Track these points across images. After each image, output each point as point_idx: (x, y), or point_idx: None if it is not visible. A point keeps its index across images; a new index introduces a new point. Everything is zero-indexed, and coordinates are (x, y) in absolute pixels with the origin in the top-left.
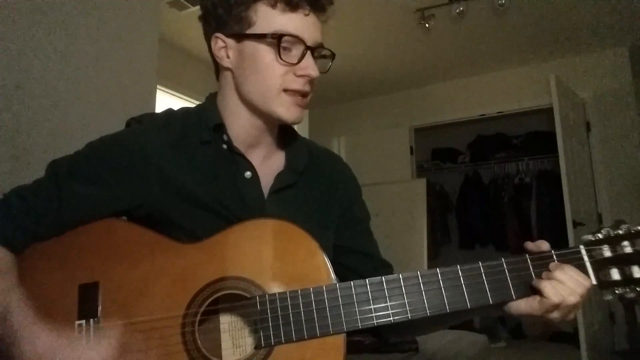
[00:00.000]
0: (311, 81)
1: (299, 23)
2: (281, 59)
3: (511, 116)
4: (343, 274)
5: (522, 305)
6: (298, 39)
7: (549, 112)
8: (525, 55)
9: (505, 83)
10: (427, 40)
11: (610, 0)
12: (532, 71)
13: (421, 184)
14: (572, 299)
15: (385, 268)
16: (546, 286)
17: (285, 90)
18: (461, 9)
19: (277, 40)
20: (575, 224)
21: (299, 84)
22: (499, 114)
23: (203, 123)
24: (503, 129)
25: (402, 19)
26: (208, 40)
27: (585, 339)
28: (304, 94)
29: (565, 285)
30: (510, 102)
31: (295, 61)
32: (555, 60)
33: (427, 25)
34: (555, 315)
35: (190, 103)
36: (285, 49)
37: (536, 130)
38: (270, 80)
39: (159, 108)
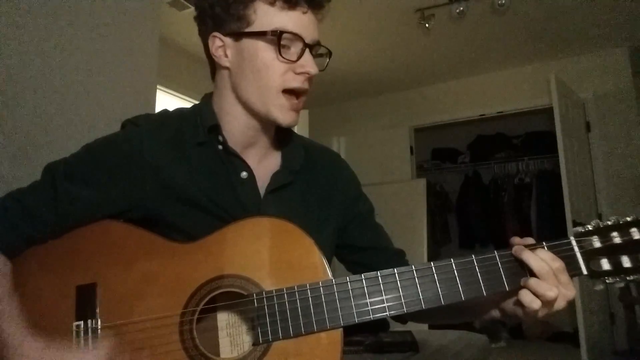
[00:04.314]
0: (310, 79)
1: (297, 21)
2: (281, 56)
3: (511, 116)
4: (358, 271)
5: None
6: (297, 37)
7: (549, 112)
8: (525, 55)
9: (505, 83)
10: (427, 40)
11: (610, 0)
12: (532, 71)
13: (421, 184)
14: (552, 294)
15: (398, 256)
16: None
17: (284, 91)
18: (461, 9)
19: (277, 38)
20: (575, 224)
21: (298, 82)
22: (499, 114)
23: (199, 124)
24: (503, 129)
25: (402, 19)
26: (204, 39)
27: (585, 339)
28: (302, 93)
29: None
30: (510, 102)
31: (294, 58)
32: (555, 60)
33: (427, 25)
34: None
35: (190, 103)
36: (284, 46)
37: (536, 130)
38: (270, 79)
39: (159, 108)
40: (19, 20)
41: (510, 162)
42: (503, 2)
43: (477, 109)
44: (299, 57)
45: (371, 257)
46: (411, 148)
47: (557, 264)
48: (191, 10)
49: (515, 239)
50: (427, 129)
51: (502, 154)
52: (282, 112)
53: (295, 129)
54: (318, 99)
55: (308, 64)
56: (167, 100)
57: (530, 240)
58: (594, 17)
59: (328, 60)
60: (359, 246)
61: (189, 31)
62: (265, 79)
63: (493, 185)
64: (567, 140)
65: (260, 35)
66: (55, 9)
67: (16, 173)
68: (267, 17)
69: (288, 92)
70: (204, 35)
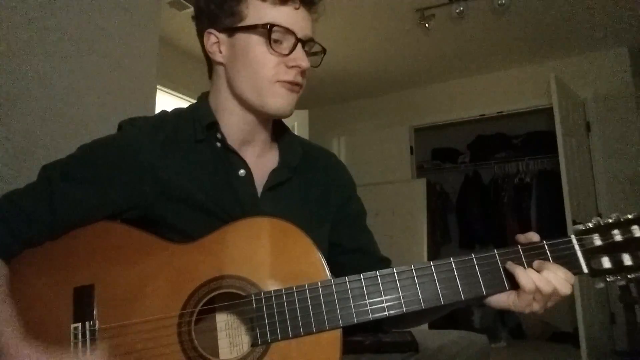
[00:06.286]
0: (302, 72)
1: (289, 16)
2: (272, 49)
3: (511, 116)
4: (341, 272)
5: (502, 299)
6: (288, 31)
7: (549, 112)
8: (525, 55)
9: (505, 83)
10: (427, 40)
11: (610, 0)
12: (532, 71)
13: (421, 184)
14: (547, 287)
15: (383, 263)
16: (521, 274)
17: (278, 82)
18: (461, 9)
19: (267, 31)
20: (575, 224)
21: (290, 75)
22: (499, 114)
23: (196, 122)
24: (503, 129)
25: (402, 19)
26: (201, 38)
27: (585, 339)
28: (296, 85)
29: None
30: (510, 102)
31: (286, 52)
32: (555, 60)
33: (427, 25)
34: (535, 306)
35: (190, 103)
36: (276, 41)
37: (536, 130)
38: (262, 71)
39: (159, 108)
40: (18, 19)
41: (510, 162)
42: (503, 2)
43: (477, 109)
44: (291, 52)
45: (357, 259)
46: (411, 148)
47: (548, 287)
48: (191, 10)
49: (520, 237)
50: (427, 129)
51: (502, 154)
52: (279, 98)
53: (295, 130)
54: (318, 99)
55: (299, 57)
56: (167, 100)
57: (535, 237)
58: (594, 17)
59: (322, 56)
60: (346, 247)
61: (189, 31)
62: (258, 72)
63: (493, 185)
64: (567, 140)
65: (251, 29)
66: (54, 8)
67: (16, 173)
68: (259, 12)
69: (283, 82)
70: (201, 34)
